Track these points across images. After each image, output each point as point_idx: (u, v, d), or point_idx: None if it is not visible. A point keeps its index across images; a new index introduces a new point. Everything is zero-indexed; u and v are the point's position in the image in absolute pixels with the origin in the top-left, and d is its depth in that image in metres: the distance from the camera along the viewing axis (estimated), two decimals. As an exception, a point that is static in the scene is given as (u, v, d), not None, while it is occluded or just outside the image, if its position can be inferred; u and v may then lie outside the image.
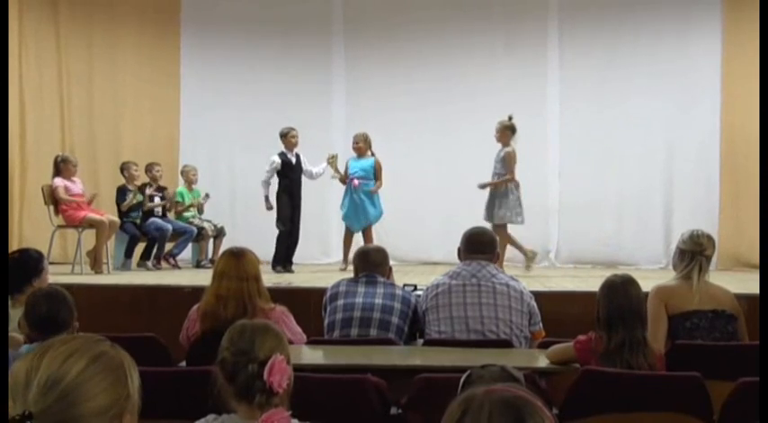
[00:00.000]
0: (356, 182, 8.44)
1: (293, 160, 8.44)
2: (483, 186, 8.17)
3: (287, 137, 8.43)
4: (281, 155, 8.39)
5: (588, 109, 9.85)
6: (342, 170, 8.53)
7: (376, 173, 8.52)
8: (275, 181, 8.39)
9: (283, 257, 8.34)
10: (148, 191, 8.83)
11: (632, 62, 9.74)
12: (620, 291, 3.51)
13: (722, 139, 9.48)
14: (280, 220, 8.31)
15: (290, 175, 8.38)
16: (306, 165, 8.54)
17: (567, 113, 9.94)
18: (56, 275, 6.36)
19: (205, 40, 10.36)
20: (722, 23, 9.57)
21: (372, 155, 8.59)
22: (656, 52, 9.68)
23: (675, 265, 4.33)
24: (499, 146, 8.18)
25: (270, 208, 8.32)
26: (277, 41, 10.34)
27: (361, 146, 8.54)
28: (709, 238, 4.28)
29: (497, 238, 4.63)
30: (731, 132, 9.39)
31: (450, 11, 10.08)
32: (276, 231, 8.35)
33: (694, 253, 4.17)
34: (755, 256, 8.24)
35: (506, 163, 8.06)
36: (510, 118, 8.20)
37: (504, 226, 8.02)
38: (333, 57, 10.36)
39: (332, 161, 8.49)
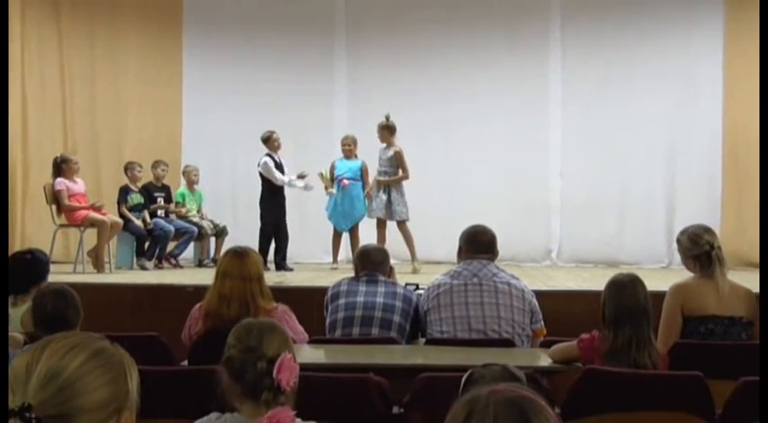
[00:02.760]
0: (345, 182, 8.59)
1: (280, 162, 8.72)
2: (381, 183, 8.39)
3: (269, 141, 8.71)
4: (269, 156, 8.65)
5: (590, 108, 9.84)
6: (329, 177, 8.75)
7: (363, 174, 8.71)
8: (259, 183, 8.71)
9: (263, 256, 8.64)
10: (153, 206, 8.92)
11: (634, 62, 9.73)
12: (629, 289, 3.51)
13: (724, 139, 9.47)
14: (266, 224, 8.60)
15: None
16: (285, 168, 8.79)
17: (568, 113, 9.93)
18: (58, 275, 6.37)
19: (207, 41, 10.36)
20: (724, 23, 9.55)
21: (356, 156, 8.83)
22: (658, 51, 9.67)
23: (693, 271, 4.13)
24: (383, 145, 8.47)
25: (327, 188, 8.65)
26: (279, 42, 10.33)
27: (351, 147, 8.75)
28: (707, 229, 4.14)
29: (496, 237, 4.61)
30: (733, 131, 9.38)
31: (453, 11, 10.07)
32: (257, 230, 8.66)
33: (708, 253, 4.03)
34: (757, 255, 8.23)
35: (399, 161, 8.36)
36: (387, 118, 8.38)
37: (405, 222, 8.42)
38: (335, 57, 10.35)
39: (324, 178, 8.70)
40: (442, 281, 4.45)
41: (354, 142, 8.79)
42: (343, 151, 8.79)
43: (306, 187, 8.82)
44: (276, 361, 2.16)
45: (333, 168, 8.76)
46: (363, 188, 8.65)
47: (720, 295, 3.96)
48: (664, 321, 3.97)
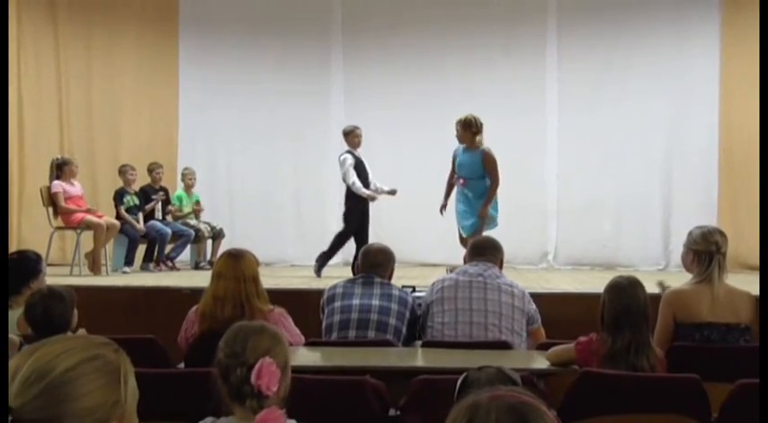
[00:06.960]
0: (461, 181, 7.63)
1: (361, 160, 7.98)
2: None
3: (350, 135, 7.94)
4: (350, 153, 7.92)
5: (586, 110, 9.85)
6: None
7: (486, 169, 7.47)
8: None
9: (327, 258, 7.94)
10: (150, 204, 8.84)
11: (630, 64, 9.75)
12: (628, 292, 3.49)
13: (720, 141, 9.48)
14: (349, 225, 7.82)
15: (362, 175, 7.89)
16: (366, 166, 8.04)
17: (565, 115, 9.94)
18: (54, 277, 6.36)
19: (204, 41, 10.35)
20: (720, 24, 9.57)
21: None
22: (655, 53, 9.69)
23: (690, 269, 4.07)
24: None
25: (387, 191, 7.86)
26: (275, 42, 10.33)
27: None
28: (722, 233, 4.06)
29: (498, 245, 4.76)
30: (730, 133, 9.40)
31: (449, 12, 10.07)
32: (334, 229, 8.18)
33: (711, 253, 3.94)
34: (753, 258, 8.24)
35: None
36: None
37: None
38: (331, 57, 10.34)
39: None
40: (448, 276, 4.62)
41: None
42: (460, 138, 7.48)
43: (390, 192, 8.04)
44: (254, 367, 2.14)
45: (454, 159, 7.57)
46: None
47: (715, 302, 3.89)
48: (657, 328, 3.93)
